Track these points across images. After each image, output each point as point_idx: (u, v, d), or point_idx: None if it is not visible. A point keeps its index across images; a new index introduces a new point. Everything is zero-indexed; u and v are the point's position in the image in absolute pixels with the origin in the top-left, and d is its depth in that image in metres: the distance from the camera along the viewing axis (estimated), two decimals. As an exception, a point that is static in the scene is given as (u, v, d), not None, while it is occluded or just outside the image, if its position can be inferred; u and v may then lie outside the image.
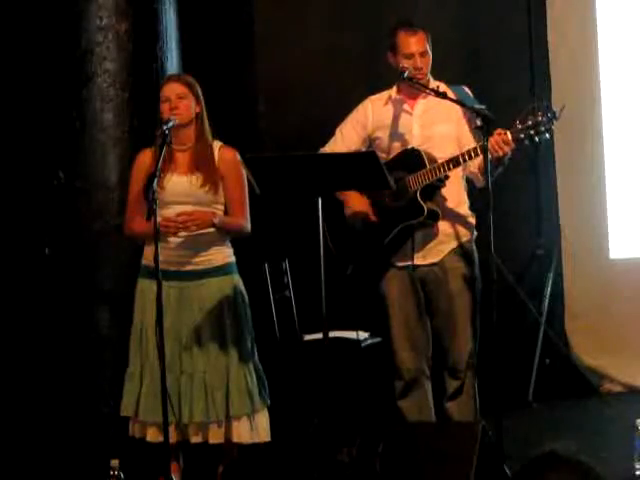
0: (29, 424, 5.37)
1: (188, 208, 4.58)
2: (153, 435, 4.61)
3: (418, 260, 4.89)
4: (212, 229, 4.59)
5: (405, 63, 4.78)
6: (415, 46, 4.79)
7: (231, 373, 4.61)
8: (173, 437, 4.55)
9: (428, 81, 4.90)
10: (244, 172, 4.65)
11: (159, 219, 4.40)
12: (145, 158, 4.70)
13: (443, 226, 4.88)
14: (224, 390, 4.59)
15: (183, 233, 4.54)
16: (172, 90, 4.61)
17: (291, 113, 6.58)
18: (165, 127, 4.47)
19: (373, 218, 4.87)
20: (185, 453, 4.75)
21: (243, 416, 4.63)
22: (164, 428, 4.37)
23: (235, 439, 4.64)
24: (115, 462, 4.21)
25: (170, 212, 4.57)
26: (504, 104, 5.65)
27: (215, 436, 4.62)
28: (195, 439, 4.62)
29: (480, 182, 4.81)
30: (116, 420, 4.74)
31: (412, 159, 4.79)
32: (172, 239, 4.55)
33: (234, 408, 4.59)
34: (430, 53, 4.86)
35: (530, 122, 4.52)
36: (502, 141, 4.53)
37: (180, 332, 4.60)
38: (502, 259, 5.83)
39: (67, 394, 5.33)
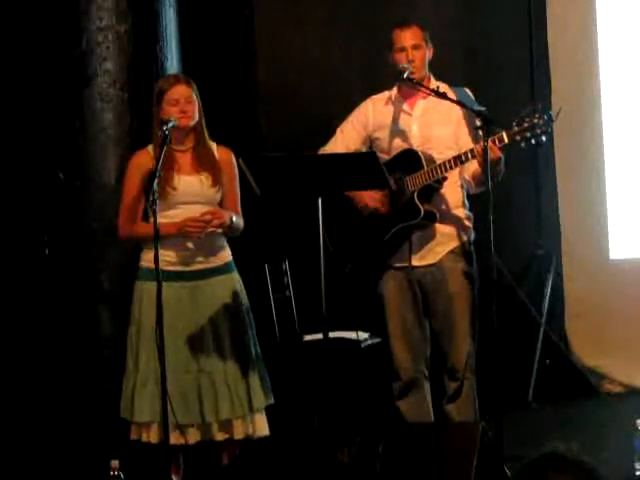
0: (29, 424, 5.37)
1: (198, 207, 4.58)
2: (151, 436, 4.61)
3: (416, 261, 4.89)
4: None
5: (398, 57, 4.79)
6: (407, 40, 4.81)
7: (249, 368, 4.64)
8: (195, 437, 4.57)
9: (429, 80, 4.90)
10: (237, 171, 4.68)
11: (174, 219, 4.45)
12: (142, 159, 4.67)
13: (441, 227, 4.87)
14: (245, 385, 4.62)
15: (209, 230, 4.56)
16: (181, 93, 4.58)
17: (291, 113, 6.58)
18: (166, 127, 4.46)
19: (384, 209, 4.86)
20: (185, 454, 4.75)
21: (263, 410, 4.67)
22: (164, 429, 4.36)
23: (257, 433, 4.67)
24: (115, 463, 4.22)
25: (180, 212, 4.57)
26: (504, 104, 5.66)
27: (239, 431, 4.64)
28: (220, 436, 4.63)
29: (473, 190, 4.82)
30: (117, 421, 4.73)
31: (410, 160, 4.79)
32: (176, 239, 4.55)
33: (257, 401, 4.64)
34: (427, 49, 4.86)
35: (527, 124, 4.52)
36: (488, 148, 4.53)
37: (191, 331, 4.60)
38: (502, 259, 5.84)
39: (68, 394, 5.33)
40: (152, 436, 4.60)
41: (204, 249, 4.62)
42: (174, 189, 4.55)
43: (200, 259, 4.63)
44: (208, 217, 4.54)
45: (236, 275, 4.74)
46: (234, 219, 4.63)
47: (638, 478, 4.40)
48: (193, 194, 4.60)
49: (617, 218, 6.69)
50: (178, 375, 4.51)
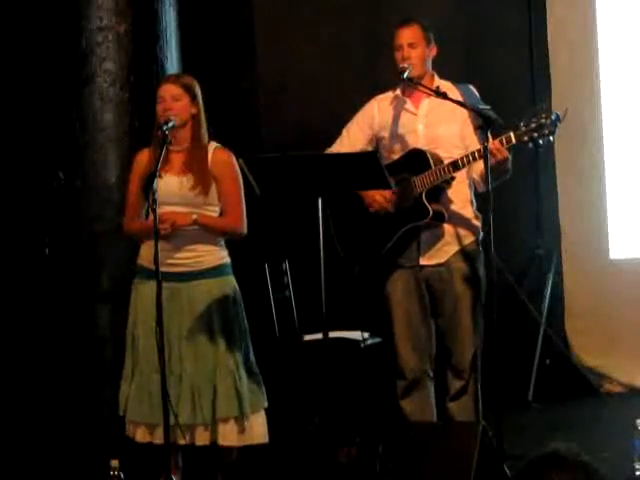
0: (29, 424, 5.37)
1: (179, 209, 4.57)
2: (142, 435, 4.61)
3: (424, 261, 4.89)
4: (194, 227, 4.56)
5: (396, 55, 4.82)
6: (404, 38, 4.83)
7: (219, 375, 4.59)
8: (160, 438, 4.53)
9: (432, 79, 4.90)
10: (239, 173, 4.64)
11: (149, 220, 4.42)
12: (143, 158, 4.69)
13: (449, 227, 4.87)
14: (211, 392, 4.57)
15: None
16: (167, 91, 4.61)
17: (291, 113, 6.58)
18: (165, 127, 4.47)
19: (391, 208, 4.85)
20: (185, 453, 4.75)
21: (230, 419, 4.60)
22: (164, 429, 4.36)
23: (221, 441, 4.60)
24: (115, 462, 4.22)
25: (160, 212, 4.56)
26: (504, 104, 5.66)
27: (201, 438, 4.59)
28: (182, 441, 4.60)
29: (481, 188, 4.81)
30: (116, 420, 4.74)
31: (417, 160, 4.79)
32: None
33: (220, 410, 4.56)
34: (427, 48, 4.86)
35: (534, 124, 4.52)
36: (495, 149, 4.53)
37: (169, 333, 4.57)
38: (502, 259, 5.83)
39: (67, 394, 5.33)
40: (141, 434, 4.61)
41: (183, 252, 4.60)
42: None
43: (178, 262, 4.60)
44: (164, 220, 4.49)
45: (226, 279, 4.68)
46: (195, 217, 4.54)
47: (638, 478, 4.40)
48: (171, 195, 4.57)
49: (617, 218, 6.69)
50: (147, 374, 4.51)
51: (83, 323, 5.35)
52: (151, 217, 4.39)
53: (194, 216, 4.55)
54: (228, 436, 4.61)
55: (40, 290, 5.40)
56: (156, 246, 4.30)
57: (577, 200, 6.69)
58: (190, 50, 5.80)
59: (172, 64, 5.56)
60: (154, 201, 4.30)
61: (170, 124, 4.50)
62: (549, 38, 6.67)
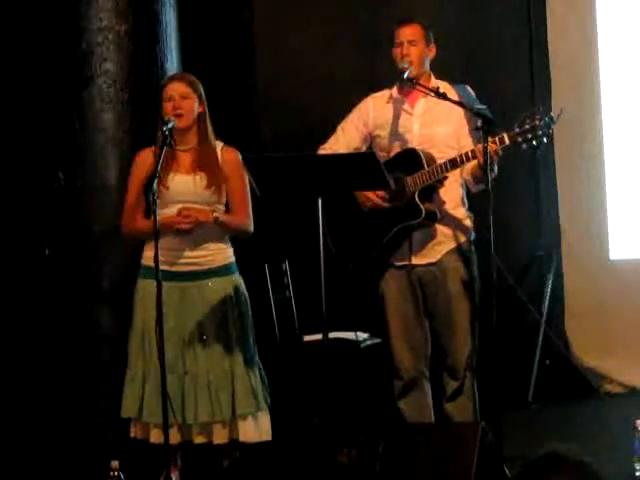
0: (29, 425, 5.37)
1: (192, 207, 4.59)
2: (157, 436, 4.60)
3: (416, 260, 4.89)
4: (211, 225, 4.58)
5: (395, 52, 4.83)
6: (404, 35, 4.84)
7: (236, 373, 4.61)
8: (176, 438, 4.55)
9: (429, 79, 4.91)
10: (245, 172, 4.65)
11: (162, 217, 4.42)
12: (145, 158, 4.69)
13: (441, 226, 4.88)
14: (229, 390, 4.60)
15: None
16: (175, 90, 4.61)
17: (290, 114, 6.58)
18: (165, 128, 4.47)
19: (385, 205, 4.85)
20: (185, 453, 4.75)
21: (249, 415, 4.63)
22: (164, 428, 4.37)
23: (242, 438, 4.63)
24: (115, 463, 4.22)
25: (173, 211, 4.57)
26: (504, 104, 5.66)
27: (219, 436, 4.62)
28: (199, 439, 4.62)
29: (473, 188, 4.83)
30: (116, 421, 4.74)
31: (410, 160, 4.80)
32: (167, 238, 4.52)
33: (241, 407, 4.60)
34: (426, 47, 4.87)
35: (528, 126, 4.52)
36: (492, 150, 4.53)
37: (183, 332, 4.60)
38: (502, 260, 5.83)
39: (67, 394, 5.33)
40: (156, 435, 4.60)
41: (194, 250, 4.61)
42: (167, 188, 4.56)
43: (190, 260, 4.61)
44: (185, 213, 4.52)
45: (235, 278, 4.71)
46: (217, 215, 4.59)
47: (638, 478, 4.40)
48: (185, 193, 4.60)
49: (617, 218, 6.69)
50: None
51: (83, 323, 5.35)
52: (162, 216, 4.42)
53: (215, 214, 4.57)
54: (247, 433, 4.64)
55: (40, 290, 5.39)
56: (156, 247, 4.31)
57: (577, 201, 6.69)
58: (190, 50, 5.80)
59: (172, 64, 5.56)
60: (154, 202, 4.30)
61: (170, 124, 4.50)
62: (549, 38, 6.66)
